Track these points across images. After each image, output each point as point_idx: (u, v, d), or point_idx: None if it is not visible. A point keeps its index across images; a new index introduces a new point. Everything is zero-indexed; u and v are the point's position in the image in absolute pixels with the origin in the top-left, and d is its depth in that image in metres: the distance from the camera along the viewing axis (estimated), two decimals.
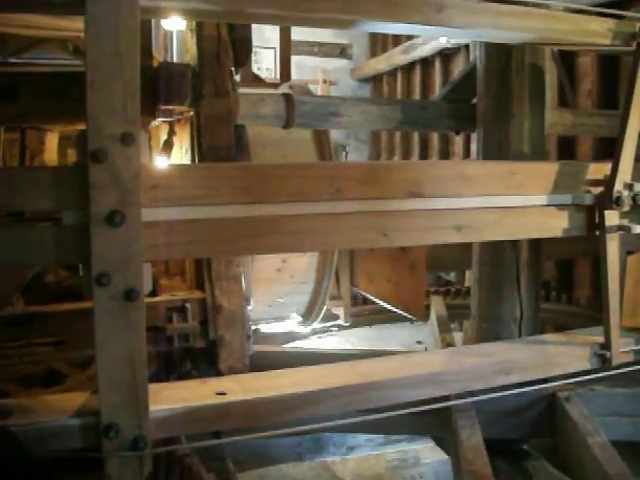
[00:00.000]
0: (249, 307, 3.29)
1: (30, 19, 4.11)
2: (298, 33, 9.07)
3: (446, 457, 3.83)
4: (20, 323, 3.15)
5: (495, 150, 3.60)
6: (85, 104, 2.28)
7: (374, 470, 4.76)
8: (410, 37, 9.13)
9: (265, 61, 10.44)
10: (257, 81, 5.18)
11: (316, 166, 2.91)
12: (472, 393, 3.08)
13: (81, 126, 3.99)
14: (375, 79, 11.07)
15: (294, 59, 6.98)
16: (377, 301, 4.54)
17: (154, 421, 2.50)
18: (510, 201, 2.88)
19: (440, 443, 4.00)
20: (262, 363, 3.18)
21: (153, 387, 2.56)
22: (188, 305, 3.14)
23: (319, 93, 8.89)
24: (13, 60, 6.46)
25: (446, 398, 3.01)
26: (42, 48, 6.73)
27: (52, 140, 5.14)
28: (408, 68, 9.91)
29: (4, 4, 2.36)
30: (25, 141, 4.72)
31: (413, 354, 3.29)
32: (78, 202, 2.31)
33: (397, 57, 9.88)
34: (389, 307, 4.36)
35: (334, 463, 4.42)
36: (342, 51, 11.49)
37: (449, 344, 4.83)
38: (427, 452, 4.50)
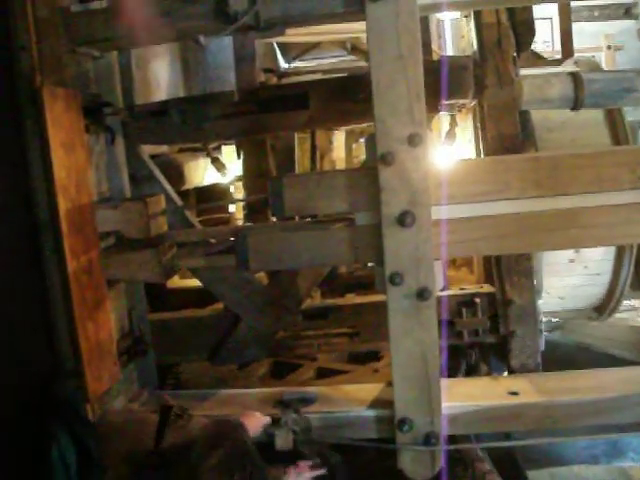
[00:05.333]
0: (540, 300, 3.15)
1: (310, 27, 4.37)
2: None
3: None
4: (318, 315, 3.36)
5: None
6: (370, 106, 2.34)
7: None
8: None
9: (541, 33, 9.88)
10: (537, 59, 4.90)
11: (614, 152, 2.67)
12: None
13: (365, 123, 4.13)
14: None
15: (572, 27, 6.49)
16: None
17: (444, 417, 2.51)
18: None
19: None
20: None
21: (443, 383, 2.55)
22: (477, 300, 3.09)
23: (602, 61, 8.20)
24: (296, 64, 6.98)
25: None
26: (321, 49, 7.16)
27: (339, 138, 5.42)
28: None
29: (296, 20, 2.51)
30: (315, 141, 5.02)
31: None
32: (370, 204, 2.38)
33: None
34: None
35: (632, 468, 4.09)
36: (627, 11, 10.37)
37: None
38: None
